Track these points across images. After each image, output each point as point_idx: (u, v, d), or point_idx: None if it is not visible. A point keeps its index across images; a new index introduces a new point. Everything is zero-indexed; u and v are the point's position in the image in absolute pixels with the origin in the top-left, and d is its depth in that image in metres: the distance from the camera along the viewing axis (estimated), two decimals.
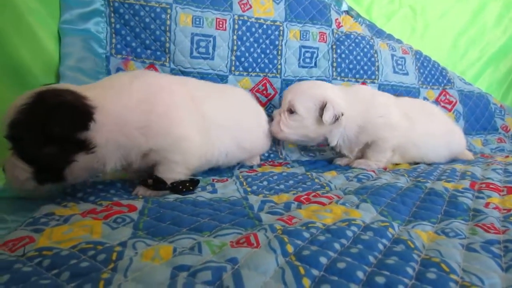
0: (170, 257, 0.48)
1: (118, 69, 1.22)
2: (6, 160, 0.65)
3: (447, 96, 1.64)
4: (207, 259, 0.47)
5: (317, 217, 0.62)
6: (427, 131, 1.19)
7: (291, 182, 0.92)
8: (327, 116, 1.05)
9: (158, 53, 1.25)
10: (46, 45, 1.13)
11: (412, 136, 1.16)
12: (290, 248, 0.49)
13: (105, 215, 0.63)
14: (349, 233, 0.55)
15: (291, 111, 1.10)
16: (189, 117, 0.82)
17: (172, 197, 0.76)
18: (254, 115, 1.08)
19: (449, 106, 1.63)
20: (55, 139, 0.63)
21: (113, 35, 1.22)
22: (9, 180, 0.66)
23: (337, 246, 0.50)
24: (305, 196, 0.77)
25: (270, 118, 1.17)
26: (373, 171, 1.04)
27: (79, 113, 0.65)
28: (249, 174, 0.99)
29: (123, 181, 0.88)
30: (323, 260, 0.46)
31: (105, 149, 0.70)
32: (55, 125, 0.62)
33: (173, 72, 1.26)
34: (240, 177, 0.96)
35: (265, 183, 0.90)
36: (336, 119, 1.06)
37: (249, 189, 0.84)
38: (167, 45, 1.25)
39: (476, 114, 1.67)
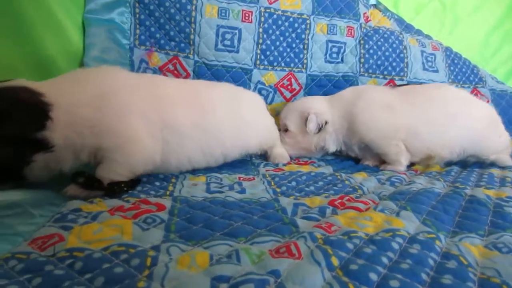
0: (207, 265, 0.45)
1: (141, 61, 1.20)
2: None
3: (479, 95, 1.57)
4: (247, 270, 0.44)
5: (358, 226, 0.58)
6: (427, 119, 1.07)
7: (320, 183, 0.88)
8: (310, 126, 1.10)
9: (182, 45, 1.23)
10: (71, 36, 1.11)
11: (411, 126, 1.07)
12: (335, 261, 0.45)
13: (134, 213, 0.60)
14: (395, 246, 0.52)
15: (286, 130, 1.16)
16: (142, 119, 0.75)
17: (200, 195, 0.73)
18: (231, 117, 0.95)
19: None
20: (11, 139, 0.61)
21: (137, 26, 1.19)
22: None
23: (385, 260, 0.47)
24: (339, 200, 0.73)
25: None
26: (405, 174, 1.00)
27: (35, 112, 0.63)
28: (276, 173, 0.96)
29: (147, 176, 0.86)
30: (373, 276, 0.42)
31: (64, 148, 0.67)
32: (10, 125, 0.60)
33: (197, 64, 1.24)
34: (267, 176, 0.93)
35: (293, 183, 0.86)
36: (320, 127, 1.09)
37: (278, 190, 0.81)
38: (192, 36, 1.22)
39: (509, 114, 1.59)
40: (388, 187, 0.86)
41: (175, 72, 1.24)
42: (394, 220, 0.62)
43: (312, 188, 0.84)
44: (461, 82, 1.56)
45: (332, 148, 1.15)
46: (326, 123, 1.10)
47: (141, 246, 0.49)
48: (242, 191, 0.79)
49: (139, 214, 0.61)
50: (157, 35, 1.21)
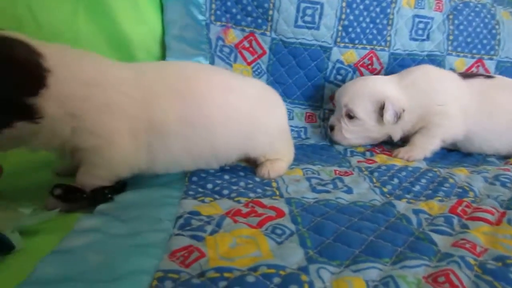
0: None
1: (218, 38, 1.14)
2: None
3: None
4: None
5: (503, 247, 0.54)
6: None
7: (423, 181, 0.82)
8: (388, 116, 0.99)
9: (260, 20, 1.15)
10: (147, 14, 1.07)
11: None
12: None
13: (258, 221, 0.58)
14: None
15: (350, 116, 1.04)
16: (123, 120, 0.65)
17: (310, 197, 0.70)
18: (224, 111, 0.74)
19: None
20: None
21: (213, 0, 1.13)
22: None
23: None
24: (460, 207, 0.68)
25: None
26: (508, 170, 0.92)
27: (30, 74, 0.55)
28: (370, 165, 0.91)
29: (242, 166, 0.83)
30: None
31: (50, 124, 0.58)
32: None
33: (273, 42, 1.17)
34: (363, 169, 0.88)
35: (396, 180, 0.81)
36: (398, 117, 0.99)
37: (385, 189, 0.76)
38: (270, 12, 1.14)
39: None
40: (500, 188, 0.80)
41: (251, 49, 1.17)
42: None
43: (418, 187, 0.79)
44: None
45: (398, 137, 1.07)
46: (403, 111, 1.00)
47: (288, 267, 0.47)
48: (349, 190, 0.75)
49: (263, 222, 0.58)
50: (233, 10, 1.14)
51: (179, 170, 0.76)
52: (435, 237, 0.57)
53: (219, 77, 0.79)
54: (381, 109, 1.01)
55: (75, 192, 0.63)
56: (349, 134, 1.06)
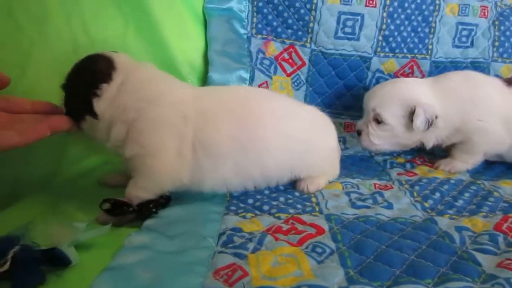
0: None
1: (259, 51, 1.17)
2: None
3: None
4: None
5: None
6: None
7: (467, 195, 0.81)
8: (419, 122, 0.91)
9: (300, 33, 1.17)
10: (192, 30, 1.11)
11: None
12: None
13: (298, 239, 0.60)
14: None
15: (378, 121, 0.98)
16: (170, 136, 0.70)
17: (349, 213, 0.71)
18: (280, 135, 0.77)
19: None
20: (79, 93, 0.69)
21: (255, 14, 1.16)
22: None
23: None
24: (506, 224, 0.67)
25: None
26: None
27: (96, 77, 0.68)
28: (411, 178, 0.90)
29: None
30: None
31: (103, 124, 0.70)
32: (80, 82, 0.69)
33: (313, 53, 1.18)
34: (404, 182, 0.88)
35: (438, 194, 0.81)
36: (430, 123, 0.92)
37: (426, 204, 0.76)
38: (311, 24, 1.16)
39: None
40: None
41: (290, 61, 1.20)
42: None
43: (461, 202, 0.78)
44: None
45: (431, 144, 1.00)
46: (436, 117, 0.93)
47: None
48: (389, 206, 0.75)
49: (303, 240, 0.60)
50: (274, 23, 1.17)
51: (225, 191, 0.78)
52: (479, 256, 0.56)
53: (274, 102, 0.82)
54: (411, 114, 0.94)
55: (122, 206, 0.68)
56: (377, 139, 0.99)
